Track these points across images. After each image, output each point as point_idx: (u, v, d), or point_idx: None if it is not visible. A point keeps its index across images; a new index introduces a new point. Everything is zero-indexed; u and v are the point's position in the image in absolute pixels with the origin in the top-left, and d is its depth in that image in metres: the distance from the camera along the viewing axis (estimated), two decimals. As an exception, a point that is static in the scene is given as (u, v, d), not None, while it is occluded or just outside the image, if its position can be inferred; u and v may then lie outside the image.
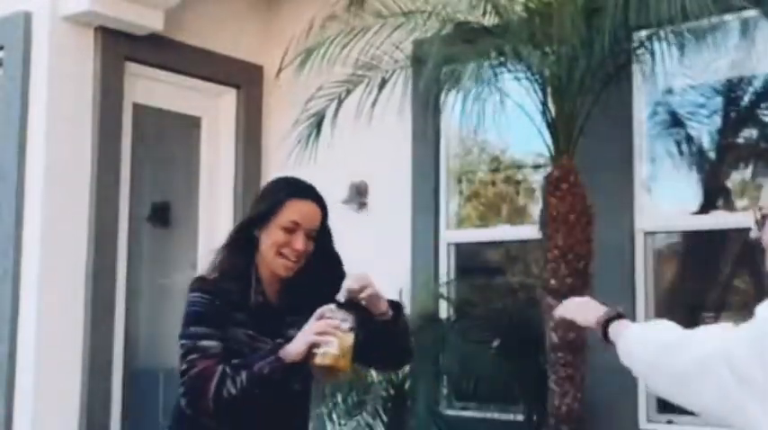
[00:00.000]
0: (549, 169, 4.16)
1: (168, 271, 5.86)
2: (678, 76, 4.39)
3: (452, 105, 4.00)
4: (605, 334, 2.04)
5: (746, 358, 1.66)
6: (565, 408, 3.99)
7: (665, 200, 4.78)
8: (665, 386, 1.88)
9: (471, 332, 4.63)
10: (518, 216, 5.49)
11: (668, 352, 1.84)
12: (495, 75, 3.88)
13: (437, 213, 5.31)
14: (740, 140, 4.79)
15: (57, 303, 5.01)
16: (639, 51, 4.11)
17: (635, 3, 3.70)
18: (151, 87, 5.67)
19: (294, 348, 2.26)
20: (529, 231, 4.47)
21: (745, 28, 3.94)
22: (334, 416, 4.66)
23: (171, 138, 6.03)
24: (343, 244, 2.56)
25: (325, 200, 2.50)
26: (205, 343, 2.30)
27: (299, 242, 2.40)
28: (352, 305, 2.31)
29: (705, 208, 4.64)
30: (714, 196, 4.72)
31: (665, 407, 4.32)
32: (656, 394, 1.91)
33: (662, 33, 3.91)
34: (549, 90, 4.07)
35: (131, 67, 5.49)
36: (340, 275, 2.41)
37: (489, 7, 4.25)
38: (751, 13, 3.90)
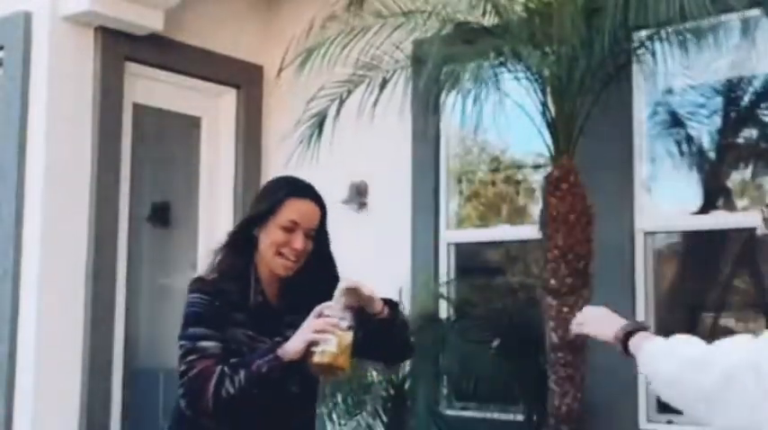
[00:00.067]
0: (549, 169, 4.15)
1: (168, 271, 5.86)
2: (678, 76, 4.39)
3: (452, 105, 3.99)
4: (625, 346, 2.01)
5: None
6: (565, 408, 3.99)
7: (665, 200, 4.78)
8: (690, 401, 1.82)
9: (471, 332, 4.62)
10: (518, 216, 5.48)
11: (694, 367, 1.79)
12: (495, 75, 3.86)
13: (437, 213, 5.31)
14: (740, 140, 4.78)
15: (57, 303, 5.01)
16: (639, 51, 4.11)
17: (635, 3, 3.70)
18: (151, 87, 5.67)
19: (292, 346, 2.25)
20: (529, 231, 4.46)
21: (746, 28, 3.93)
22: (334, 416, 4.66)
23: (171, 138, 6.03)
24: (343, 244, 2.55)
25: (325, 199, 2.49)
26: (204, 344, 2.30)
27: (299, 241, 2.39)
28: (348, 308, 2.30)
29: (705, 208, 4.63)
30: (714, 196, 4.72)
31: (665, 407, 4.31)
32: (677, 408, 1.86)
33: (662, 33, 3.91)
34: (548, 90, 4.06)
35: (131, 67, 5.49)
36: (334, 276, 2.42)
37: (489, 7, 4.25)
38: (751, 12, 3.90)
